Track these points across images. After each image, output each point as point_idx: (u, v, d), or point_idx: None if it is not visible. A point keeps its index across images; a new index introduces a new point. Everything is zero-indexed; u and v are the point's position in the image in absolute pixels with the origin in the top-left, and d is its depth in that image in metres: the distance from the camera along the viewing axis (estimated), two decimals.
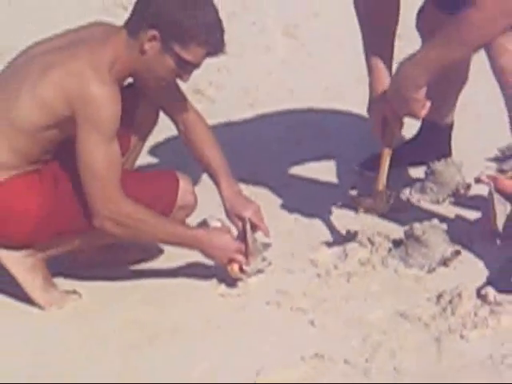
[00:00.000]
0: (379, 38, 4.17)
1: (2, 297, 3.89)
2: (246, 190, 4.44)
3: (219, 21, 3.60)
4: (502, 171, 4.46)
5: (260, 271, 3.96)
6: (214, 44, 3.60)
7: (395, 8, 4.21)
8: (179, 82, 3.92)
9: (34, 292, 3.75)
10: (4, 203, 3.63)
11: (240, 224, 3.98)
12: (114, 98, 3.52)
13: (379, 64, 4.09)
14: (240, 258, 3.82)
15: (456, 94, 4.66)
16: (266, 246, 4.03)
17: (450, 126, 4.74)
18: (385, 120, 4.06)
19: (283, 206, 4.54)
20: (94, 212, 3.57)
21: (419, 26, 4.55)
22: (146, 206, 3.67)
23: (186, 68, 3.64)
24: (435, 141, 4.72)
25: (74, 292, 3.88)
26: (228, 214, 4.02)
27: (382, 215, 4.34)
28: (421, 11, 4.49)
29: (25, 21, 6.95)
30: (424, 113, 3.93)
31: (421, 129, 4.72)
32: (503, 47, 3.76)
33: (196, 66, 3.67)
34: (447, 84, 4.37)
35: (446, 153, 4.63)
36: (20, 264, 3.75)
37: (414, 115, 3.95)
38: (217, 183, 4.04)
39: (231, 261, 3.82)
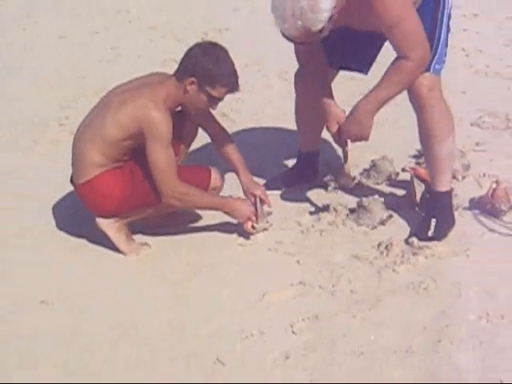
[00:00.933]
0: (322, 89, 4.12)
1: (101, 248, 4.10)
2: (254, 175, 4.54)
3: (235, 70, 3.93)
4: (418, 163, 4.62)
5: (265, 229, 4.18)
6: (233, 86, 3.96)
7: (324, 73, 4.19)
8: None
9: (120, 244, 4.06)
10: (98, 189, 3.96)
11: (253, 199, 4.23)
12: (167, 120, 3.86)
13: (332, 105, 4.05)
14: (252, 218, 4.12)
15: None
16: (269, 213, 4.27)
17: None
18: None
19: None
20: (161, 193, 3.89)
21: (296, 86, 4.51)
22: (193, 186, 3.97)
23: (214, 101, 3.99)
24: None
25: (146, 244, 4.15)
26: (245, 192, 4.27)
27: (343, 191, 4.51)
28: (297, 74, 4.43)
29: (113, 69, 7.02)
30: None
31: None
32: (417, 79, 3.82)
33: (221, 99, 4.00)
34: None
35: None
36: (111, 226, 4.04)
37: (364, 138, 3.98)
38: (237, 173, 4.31)
39: (247, 220, 4.12)
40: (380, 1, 3.62)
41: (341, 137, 4.05)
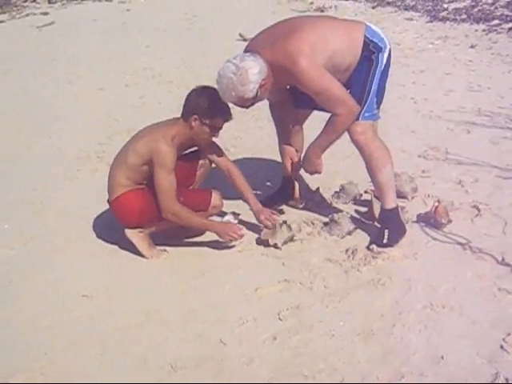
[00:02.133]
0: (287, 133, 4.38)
1: (129, 253, 4.12)
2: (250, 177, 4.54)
3: (226, 104, 3.94)
4: None
5: (285, 242, 4.10)
6: (227, 115, 4.00)
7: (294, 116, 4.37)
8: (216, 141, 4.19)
9: (143, 250, 4.06)
10: (124, 204, 4.01)
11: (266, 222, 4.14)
12: (172, 153, 3.88)
13: (286, 148, 4.35)
14: (232, 237, 4.02)
15: None
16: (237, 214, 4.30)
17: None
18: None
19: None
20: (161, 209, 3.90)
21: (273, 115, 4.51)
22: (187, 208, 3.94)
23: (215, 130, 4.03)
24: None
25: (165, 250, 4.14)
26: (256, 218, 4.20)
27: (318, 209, 4.49)
28: (271, 105, 4.45)
29: (140, 113, 7.07)
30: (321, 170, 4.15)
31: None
32: (351, 127, 3.89)
33: (220, 128, 4.04)
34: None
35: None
36: (136, 236, 4.05)
37: (318, 172, 4.16)
38: (248, 203, 4.26)
39: (227, 238, 4.02)
40: (301, 79, 3.75)
41: (293, 172, 4.39)
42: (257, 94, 3.81)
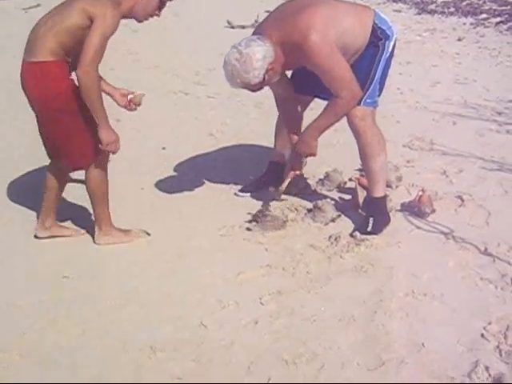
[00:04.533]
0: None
1: None
2: (234, 182, 4.71)
3: None
4: (361, 175, 4.50)
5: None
6: None
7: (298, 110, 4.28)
8: None
9: (123, 239, 3.99)
10: (47, 72, 3.57)
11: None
12: (116, 19, 3.52)
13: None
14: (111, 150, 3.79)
15: None
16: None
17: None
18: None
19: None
20: (80, 64, 3.43)
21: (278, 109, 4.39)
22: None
23: (162, 4, 3.76)
24: None
25: (147, 233, 4.05)
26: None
27: (302, 196, 4.47)
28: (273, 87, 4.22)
29: None
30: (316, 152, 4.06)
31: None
32: (352, 111, 3.85)
33: (165, 4, 3.77)
34: None
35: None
36: (108, 233, 3.97)
37: (313, 154, 4.06)
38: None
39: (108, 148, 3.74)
40: (310, 55, 3.66)
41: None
42: (264, 78, 3.74)
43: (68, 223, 4.22)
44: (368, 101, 3.90)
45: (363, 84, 3.83)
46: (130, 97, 3.98)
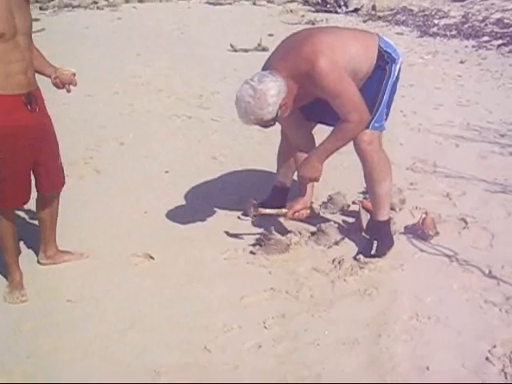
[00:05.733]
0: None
1: (112, 258, 4.07)
2: (237, 206, 4.70)
3: None
4: (365, 198, 4.57)
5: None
6: None
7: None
8: None
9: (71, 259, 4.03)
10: None
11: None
12: None
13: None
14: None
15: None
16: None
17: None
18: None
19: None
20: None
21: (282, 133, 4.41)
22: None
23: None
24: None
25: (150, 256, 4.03)
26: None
27: (305, 219, 4.29)
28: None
29: (129, 121, 7.26)
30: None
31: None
32: (359, 136, 3.83)
33: None
34: None
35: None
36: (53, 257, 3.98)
37: (316, 179, 3.99)
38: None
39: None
40: (320, 80, 3.65)
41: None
42: (277, 114, 3.72)
43: (72, 243, 4.22)
44: (376, 125, 3.90)
45: (371, 108, 3.83)
46: (55, 73, 3.62)
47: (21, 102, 3.43)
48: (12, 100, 3.39)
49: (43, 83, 3.71)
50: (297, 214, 4.08)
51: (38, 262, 4.02)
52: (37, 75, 3.59)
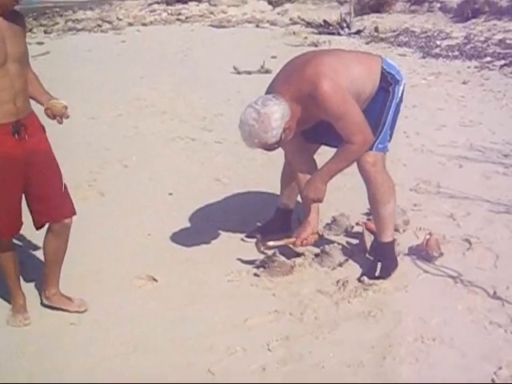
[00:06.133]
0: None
1: (114, 281, 4.06)
2: (239, 228, 4.71)
3: None
4: (368, 219, 4.57)
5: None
6: None
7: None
8: None
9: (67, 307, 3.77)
10: None
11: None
12: None
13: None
14: None
15: None
16: None
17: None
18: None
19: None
20: None
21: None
22: None
23: None
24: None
25: (154, 279, 4.03)
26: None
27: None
28: None
29: (133, 143, 7.32)
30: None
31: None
32: (363, 157, 3.83)
33: None
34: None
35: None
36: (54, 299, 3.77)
37: (320, 200, 3.97)
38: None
39: None
40: (323, 102, 3.65)
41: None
42: (281, 137, 3.72)
43: (75, 266, 4.19)
44: (379, 146, 3.91)
45: (375, 129, 3.83)
46: (47, 105, 3.50)
47: (8, 131, 3.33)
48: None
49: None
50: (305, 241, 4.07)
51: (41, 302, 3.85)
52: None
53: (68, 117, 3.53)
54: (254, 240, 4.39)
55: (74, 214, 3.69)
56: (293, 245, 4.17)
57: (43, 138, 3.58)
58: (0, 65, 3.21)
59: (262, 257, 4.22)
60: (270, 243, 4.15)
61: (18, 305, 3.71)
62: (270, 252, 4.20)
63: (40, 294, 3.87)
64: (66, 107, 3.50)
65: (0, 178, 3.37)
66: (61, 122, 3.53)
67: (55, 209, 3.61)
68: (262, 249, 4.19)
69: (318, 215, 4.15)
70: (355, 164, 3.94)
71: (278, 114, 3.66)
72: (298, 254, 4.30)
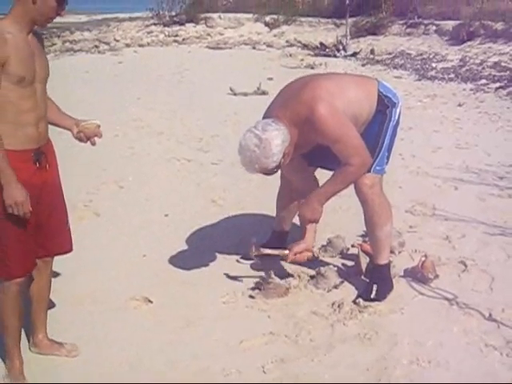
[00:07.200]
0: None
1: (110, 302, 4.03)
2: (236, 250, 4.68)
3: None
4: (364, 241, 4.59)
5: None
6: None
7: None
8: None
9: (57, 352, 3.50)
10: None
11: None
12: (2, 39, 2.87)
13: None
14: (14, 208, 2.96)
15: None
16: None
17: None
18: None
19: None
20: None
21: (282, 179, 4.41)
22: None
23: (62, 5, 3.01)
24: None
25: (149, 300, 4.01)
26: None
27: (304, 263, 4.25)
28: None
29: (129, 163, 7.33)
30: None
31: None
32: (361, 179, 3.83)
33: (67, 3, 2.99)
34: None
35: None
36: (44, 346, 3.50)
37: (316, 220, 3.94)
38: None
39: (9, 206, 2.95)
40: (320, 125, 3.65)
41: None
42: (280, 162, 3.72)
43: (70, 287, 4.19)
44: (377, 168, 3.92)
45: (372, 151, 3.83)
46: (79, 127, 3.38)
47: (29, 159, 3.08)
48: (20, 156, 3.02)
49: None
50: (298, 255, 4.02)
51: (29, 349, 3.54)
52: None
53: (101, 136, 3.41)
54: (250, 262, 4.43)
55: (72, 250, 3.49)
56: (285, 257, 4.10)
57: (57, 168, 3.36)
58: (28, 84, 3.00)
59: (257, 279, 4.23)
60: (263, 250, 4.14)
61: (15, 369, 3.28)
62: (264, 273, 4.22)
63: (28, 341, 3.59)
64: (99, 126, 3.39)
65: None
66: (94, 144, 3.41)
67: (56, 243, 3.38)
68: (254, 254, 4.16)
69: (314, 234, 4.13)
70: (351, 186, 3.93)
71: (278, 140, 3.65)
72: (292, 275, 4.31)
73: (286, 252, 4.07)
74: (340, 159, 3.74)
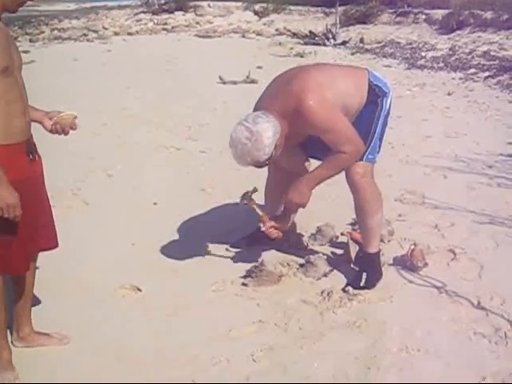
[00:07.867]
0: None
1: (99, 292, 4.01)
2: (224, 239, 4.68)
3: None
4: (354, 229, 4.59)
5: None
6: None
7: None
8: None
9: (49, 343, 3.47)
10: None
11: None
12: None
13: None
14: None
15: None
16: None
17: None
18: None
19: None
20: None
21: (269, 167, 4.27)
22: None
23: None
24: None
25: (138, 289, 4.00)
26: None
27: (294, 251, 4.42)
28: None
29: (117, 152, 7.27)
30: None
31: None
32: (352, 167, 3.83)
33: None
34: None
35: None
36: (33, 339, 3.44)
37: (303, 205, 3.94)
38: None
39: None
40: (309, 116, 3.65)
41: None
42: (271, 154, 3.71)
43: (58, 275, 4.16)
44: (370, 157, 3.91)
45: (365, 140, 3.83)
46: (55, 119, 3.27)
47: (22, 150, 3.03)
48: (13, 150, 2.95)
49: None
50: (272, 230, 4.07)
51: (12, 343, 3.41)
52: None
53: (76, 128, 3.32)
54: (240, 250, 4.45)
55: (57, 245, 3.44)
56: (263, 222, 4.11)
57: (41, 161, 3.27)
58: (9, 73, 2.89)
59: (248, 267, 4.22)
60: (254, 205, 4.15)
61: (4, 360, 3.23)
62: (254, 262, 4.23)
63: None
64: (76, 117, 3.30)
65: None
66: (67, 134, 3.31)
67: (43, 238, 3.30)
68: (244, 202, 4.19)
69: (294, 224, 4.28)
70: (340, 174, 3.92)
71: (269, 132, 3.64)
72: (281, 264, 4.30)
73: (267, 218, 4.09)
74: (332, 149, 3.74)
